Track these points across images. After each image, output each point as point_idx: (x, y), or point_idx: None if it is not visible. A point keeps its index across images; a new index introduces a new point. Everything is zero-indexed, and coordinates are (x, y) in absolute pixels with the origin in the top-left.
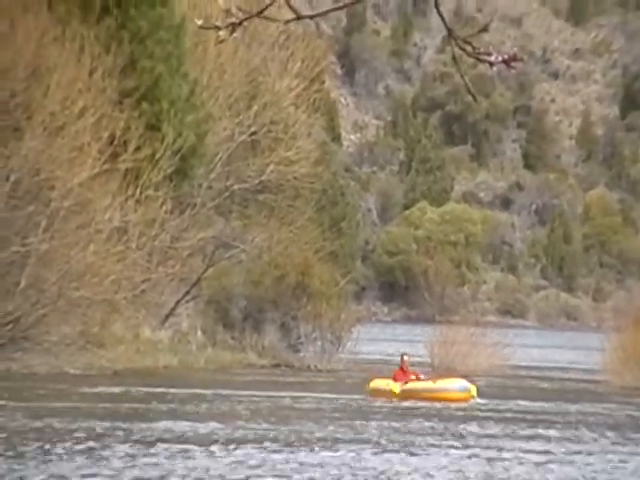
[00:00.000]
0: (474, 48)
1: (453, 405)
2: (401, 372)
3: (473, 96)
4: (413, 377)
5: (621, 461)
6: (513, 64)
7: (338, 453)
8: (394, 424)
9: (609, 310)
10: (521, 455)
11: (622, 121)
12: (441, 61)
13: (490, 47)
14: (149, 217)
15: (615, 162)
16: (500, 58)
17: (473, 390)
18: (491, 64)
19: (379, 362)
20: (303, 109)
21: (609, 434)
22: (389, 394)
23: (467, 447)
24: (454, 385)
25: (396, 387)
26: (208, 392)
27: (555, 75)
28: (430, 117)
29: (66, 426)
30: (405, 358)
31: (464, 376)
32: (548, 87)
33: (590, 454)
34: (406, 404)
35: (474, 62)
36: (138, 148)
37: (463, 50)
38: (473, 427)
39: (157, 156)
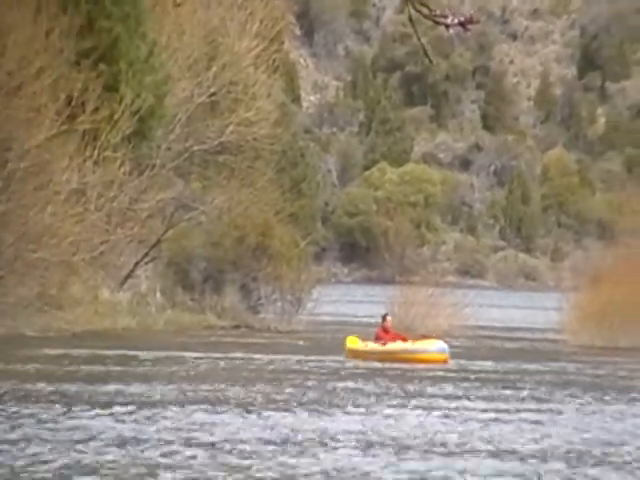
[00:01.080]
0: (430, 10)
1: (426, 366)
2: (383, 332)
3: (429, 59)
4: (390, 336)
5: (577, 418)
6: (469, 27)
7: (294, 414)
8: (351, 384)
9: (567, 270)
10: (479, 415)
11: (580, 81)
12: (400, 22)
13: (446, 10)
14: (107, 178)
15: (573, 123)
16: (456, 20)
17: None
18: (447, 26)
19: (339, 323)
20: (262, 70)
21: (566, 392)
22: (366, 355)
23: (426, 407)
24: (432, 347)
25: (374, 348)
26: (167, 354)
27: (514, 36)
28: (390, 78)
29: (22, 388)
30: (388, 319)
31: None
32: (507, 48)
33: (548, 412)
34: (379, 365)
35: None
36: (96, 109)
37: (419, 12)
38: (432, 387)
39: (115, 117)
